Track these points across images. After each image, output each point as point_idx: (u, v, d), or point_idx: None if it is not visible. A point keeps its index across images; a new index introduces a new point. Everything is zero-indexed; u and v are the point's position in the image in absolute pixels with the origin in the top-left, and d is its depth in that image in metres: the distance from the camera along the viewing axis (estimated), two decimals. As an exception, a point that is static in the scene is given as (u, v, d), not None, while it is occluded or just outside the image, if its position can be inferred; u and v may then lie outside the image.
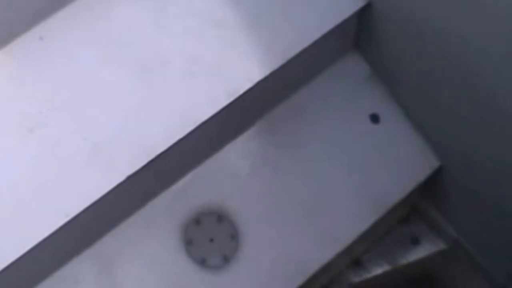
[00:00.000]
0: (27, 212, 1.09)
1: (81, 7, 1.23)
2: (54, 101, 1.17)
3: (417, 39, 1.22)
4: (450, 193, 1.45)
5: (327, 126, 1.38)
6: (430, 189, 1.46)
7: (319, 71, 1.40)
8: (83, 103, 1.16)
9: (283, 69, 1.21)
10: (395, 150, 1.39)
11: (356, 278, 1.49)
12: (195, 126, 1.16)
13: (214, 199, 1.32)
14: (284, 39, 1.22)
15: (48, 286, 1.19)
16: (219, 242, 1.30)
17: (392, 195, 1.37)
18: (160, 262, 1.26)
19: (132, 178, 1.13)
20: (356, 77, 1.42)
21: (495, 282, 1.46)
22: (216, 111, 1.17)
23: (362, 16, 1.31)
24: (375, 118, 1.40)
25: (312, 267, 1.29)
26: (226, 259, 1.28)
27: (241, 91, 1.18)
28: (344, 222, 1.33)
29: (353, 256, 1.48)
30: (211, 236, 1.30)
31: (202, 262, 1.27)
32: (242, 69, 1.19)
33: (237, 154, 1.35)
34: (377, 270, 1.50)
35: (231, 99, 1.18)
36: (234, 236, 1.29)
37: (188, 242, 1.28)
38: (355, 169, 1.37)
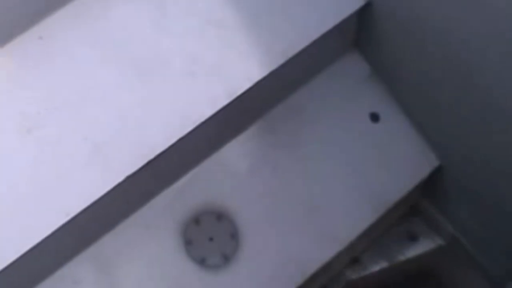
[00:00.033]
0: (27, 212, 1.09)
1: (81, 6, 1.22)
2: (54, 101, 1.17)
3: (417, 38, 1.22)
4: (450, 192, 1.45)
5: (326, 126, 1.38)
6: (430, 188, 1.46)
7: (319, 70, 1.39)
8: (82, 102, 1.16)
9: (283, 69, 1.21)
10: (395, 149, 1.39)
11: (353, 275, 1.49)
12: (194, 126, 1.16)
13: (214, 199, 1.32)
14: (284, 39, 1.22)
15: (48, 286, 1.19)
16: (218, 241, 1.30)
17: (392, 194, 1.37)
18: (160, 262, 1.26)
19: (131, 178, 1.12)
20: (356, 76, 1.42)
21: (492, 279, 1.46)
22: (216, 110, 1.17)
23: (362, 16, 1.30)
24: (375, 117, 1.40)
25: (312, 266, 1.29)
26: (226, 259, 1.28)
27: (241, 91, 1.18)
28: (344, 221, 1.33)
29: (353, 255, 1.48)
30: (210, 236, 1.30)
31: (201, 262, 1.27)
32: (242, 69, 1.19)
33: (236, 153, 1.35)
34: (375, 267, 1.50)
35: (231, 99, 1.17)
36: (234, 235, 1.30)
37: (188, 242, 1.28)
38: (355, 168, 1.37)
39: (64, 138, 1.14)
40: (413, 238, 1.55)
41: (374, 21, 1.31)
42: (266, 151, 1.35)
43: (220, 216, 1.31)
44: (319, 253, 1.30)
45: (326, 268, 1.32)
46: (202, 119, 1.16)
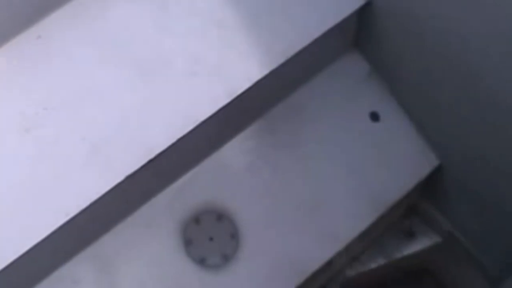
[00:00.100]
0: (26, 211, 1.09)
1: (80, 6, 1.22)
2: (53, 101, 1.16)
3: (417, 38, 1.22)
4: (449, 191, 1.45)
5: (326, 125, 1.38)
6: (430, 187, 1.46)
7: (319, 69, 1.39)
8: (82, 102, 1.16)
9: (283, 68, 1.21)
10: (395, 148, 1.39)
11: (351, 272, 1.49)
12: (195, 125, 1.15)
13: (214, 198, 1.32)
14: (284, 38, 1.22)
15: (47, 286, 1.19)
16: (218, 241, 1.29)
17: (392, 193, 1.37)
18: (160, 262, 1.26)
19: (132, 177, 1.12)
20: (356, 75, 1.42)
21: (490, 276, 1.46)
22: (216, 110, 1.17)
23: (362, 15, 1.30)
24: (375, 116, 1.40)
25: (312, 266, 1.29)
26: (226, 258, 1.28)
27: (241, 90, 1.18)
28: (344, 220, 1.33)
29: (353, 255, 1.48)
30: (210, 235, 1.30)
31: (201, 262, 1.27)
32: (242, 69, 1.19)
33: (236, 152, 1.35)
34: (373, 264, 1.50)
35: (231, 98, 1.17)
36: (234, 235, 1.29)
37: (188, 241, 1.28)
38: (354, 167, 1.36)
39: (63, 138, 1.13)
40: (411, 235, 1.55)
41: (374, 20, 1.30)
42: (266, 150, 1.35)
43: (220, 216, 1.30)
44: (319, 253, 1.30)
45: (326, 267, 1.32)
46: (203, 118, 1.16)
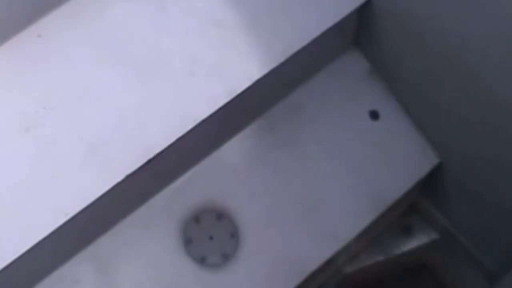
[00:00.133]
0: (25, 211, 1.09)
1: (80, 4, 1.21)
2: (52, 100, 1.16)
3: (417, 36, 1.21)
4: (449, 190, 1.45)
5: (326, 124, 1.38)
6: (429, 186, 1.46)
7: (319, 68, 1.39)
8: (80, 102, 1.15)
9: (282, 67, 1.21)
10: (394, 147, 1.39)
11: (349, 268, 1.49)
12: (194, 125, 1.15)
13: (214, 197, 1.31)
14: (283, 38, 1.21)
15: (46, 286, 1.19)
16: (218, 240, 1.29)
17: (392, 192, 1.37)
18: (160, 261, 1.26)
19: (131, 177, 1.12)
20: (356, 74, 1.41)
21: (488, 274, 1.47)
22: (216, 109, 1.16)
23: (362, 13, 1.30)
24: (374, 115, 1.40)
25: (312, 265, 1.29)
26: (226, 258, 1.28)
27: (241, 90, 1.18)
28: (344, 220, 1.33)
29: (353, 254, 1.48)
30: (210, 234, 1.30)
31: (201, 261, 1.27)
32: (241, 68, 1.19)
33: (236, 152, 1.34)
34: (370, 260, 1.50)
35: (231, 97, 1.17)
36: (234, 234, 1.29)
37: (188, 241, 1.28)
38: (354, 166, 1.36)
39: (61, 138, 1.13)
40: (409, 232, 1.55)
41: (374, 19, 1.30)
42: (266, 149, 1.35)
43: (220, 215, 1.30)
44: (318, 252, 1.30)
45: (325, 266, 1.32)
46: (202, 118, 1.16)
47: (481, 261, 1.46)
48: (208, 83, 1.18)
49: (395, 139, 1.40)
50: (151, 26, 1.21)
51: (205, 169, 1.32)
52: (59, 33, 1.20)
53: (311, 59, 1.32)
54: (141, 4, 1.22)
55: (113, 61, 1.18)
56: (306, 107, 1.38)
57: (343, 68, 1.40)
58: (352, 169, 1.36)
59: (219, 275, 1.27)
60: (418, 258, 1.63)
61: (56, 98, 1.16)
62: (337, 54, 1.40)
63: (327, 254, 1.30)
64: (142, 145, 1.13)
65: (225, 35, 1.21)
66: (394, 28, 1.27)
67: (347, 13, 1.24)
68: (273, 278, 1.28)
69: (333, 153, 1.36)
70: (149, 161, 1.13)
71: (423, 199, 1.54)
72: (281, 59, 1.20)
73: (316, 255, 1.30)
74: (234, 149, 1.34)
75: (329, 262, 1.32)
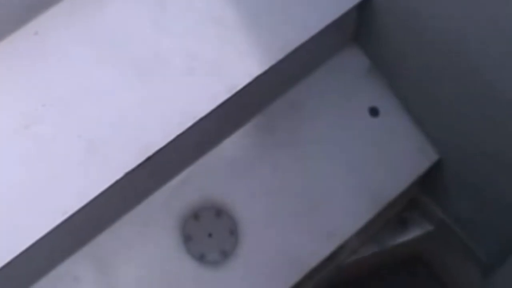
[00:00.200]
0: (23, 210, 1.08)
1: (78, 2, 1.21)
2: (51, 98, 1.15)
3: (417, 33, 1.21)
4: (449, 186, 1.45)
5: (325, 121, 1.37)
6: (429, 182, 1.46)
7: (318, 65, 1.39)
8: (79, 100, 1.15)
9: (282, 64, 1.20)
10: (394, 143, 1.39)
11: (344, 260, 1.49)
12: (193, 122, 1.15)
13: (213, 194, 1.31)
14: (283, 34, 1.21)
15: (45, 285, 1.19)
16: (217, 237, 1.29)
17: (391, 189, 1.37)
18: (158, 258, 1.26)
19: (130, 175, 1.12)
20: (356, 70, 1.41)
21: (483, 266, 1.47)
22: (215, 106, 1.16)
23: (362, 10, 1.29)
24: (374, 112, 1.40)
25: (311, 262, 1.29)
26: (225, 255, 1.28)
27: (240, 86, 1.17)
28: (343, 217, 1.33)
29: (351, 250, 1.47)
30: (209, 231, 1.29)
31: (200, 258, 1.27)
32: (241, 64, 1.18)
33: (235, 148, 1.34)
34: (366, 252, 1.50)
35: (230, 94, 1.17)
36: (233, 231, 1.29)
37: (187, 238, 1.28)
38: (353, 162, 1.36)
39: (60, 136, 1.13)
40: (404, 225, 1.55)
41: (374, 15, 1.30)
42: (265, 147, 1.35)
43: (219, 212, 1.30)
44: (317, 249, 1.30)
45: (324, 263, 1.32)
46: (201, 115, 1.15)
47: (476, 253, 1.47)
48: (208, 80, 1.17)
49: (394, 135, 1.39)
50: (150, 23, 1.20)
51: (204, 166, 1.32)
52: (57, 30, 1.19)
53: (311, 56, 1.32)
54: (140, 1, 1.21)
55: (111, 59, 1.17)
56: (306, 104, 1.37)
57: (342, 64, 1.40)
58: (352, 166, 1.36)
59: (219, 272, 1.27)
60: (414, 250, 1.63)
61: (54, 96, 1.15)
62: (337, 51, 1.40)
63: (326, 251, 1.30)
64: (141, 142, 1.13)
65: (224, 32, 1.20)
66: (394, 25, 1.27)
67: (347, 9, 1.24)
68: (272, 275, 1.28)
69: (333, 150, 1.36)
70: (148, 159, 1.12)
71: (422, 195, 1.53)
72: (280, 55, 1.19)
73: (315, 252, 1.30)
74: (233, 146, 1.34)
75: (328, 259, 1.32)
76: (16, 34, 1.18)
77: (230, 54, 1.19)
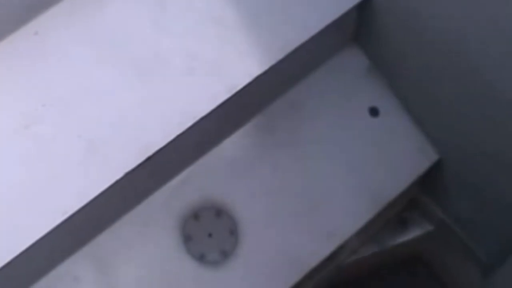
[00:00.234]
0: (23, 210, 1.08)
1: (78, 2, 1.21)
2: (51, 98, 1.15)
3: (417, 33, 1.21)
4: (449, 186, 1.45)
5: (325, 121, 1.37)
6: (429, 182, 1.46)
7: (318, 65, 1.39)
8: (79, 100, 1.15)
9: (282, 64, 1.20)
10: (394, 143, 1.39)
11: (344, 260, 1.49)
12: (193, 122, 1.15)
13: (213, 194, 1.31)
14: (283, 34, 1.21)
15: (45, 285, 1.19)
16: (217, 237, 1.29)
17: (391, 189, 1.37)
18: (158, 258, 1.26)
19: (130, 175, 1.12)
20: (355, 70, 1.41)
21: (483, 266, 1.47)
22: (215, 106, 1.16)
23: (362, 10, 1.29)
24: (374, 112, 1.40)
25: (311, 262, 1.29)
26: (225, 255, 1.28)
27: (240, 86, 1.17)
28: (343, 217, 1.33)
29: (351, 250, 1.48)
30: (209, 231, 1.29)
31: (200, 258, 1.27)
32: (241, 64, 1.18)
33: (235, 148, 1.34)
34: (366, 252, 1.50)
35: (231, 94, 1.17)
36: (233, 231, 1.29)
37: (187, 238, 1.28)
38: (353, 163, 1.36)
39: (60, 136, 1.13)
40: (404, 225, 1.55)
41: (374, 15, 1.30)
42: (265, 146, 1.35)
43: (219, 212, 1.30)
44: (317, 249, 1.30)
45: (324, 263, 1.32)
46: (202, 115, 1.15)
47: (476, 253, 1.47)
48: (208, 80, 1.17)
49: (394, 135, 1.39)
50: (150, 23, 1.20)
51: (204, 166, 1.32)
52: (57, 30, 1.19)
53: (311, 56, 1.32)
54: (140, 1, 1.21)
55: (111, 59, 1.17)
56: (306, 104, 1.37)
57: (342, 64, 1.40)
58: (352, 166, 1.36)
59: (219, 272, 1.27)
60: (414, 250, 1.63)
61: (54, 96, 1.15)
62: (337, 51, 1.40)
63: (326, 251, 1.30)
64: (141, 142, 1.13)
65: (224, 32, 1.20)
66: (394, 25, 1.27)
67: (347, 9, 1.24)
68: (272, 275, 1.28)
69: (333, 150, 1.36)
70: (148, 159, 1.12)
71: (422, 195, 1.53)
72: (280, 55, 1.19)
73: (315, 252, 1.30)
74: (233, 146, 1.34)
75: (328, 259, 1.32)
76: (16, 34, 1.18)
77: (230, 54, 1.19)
